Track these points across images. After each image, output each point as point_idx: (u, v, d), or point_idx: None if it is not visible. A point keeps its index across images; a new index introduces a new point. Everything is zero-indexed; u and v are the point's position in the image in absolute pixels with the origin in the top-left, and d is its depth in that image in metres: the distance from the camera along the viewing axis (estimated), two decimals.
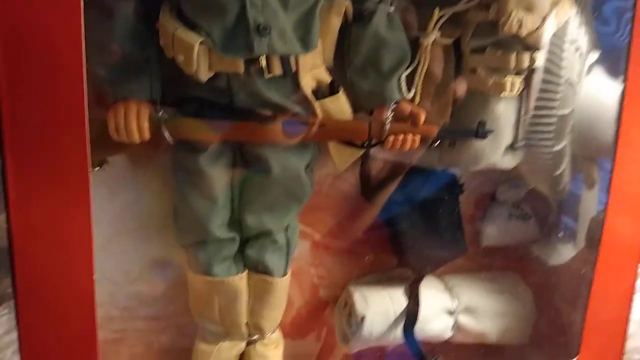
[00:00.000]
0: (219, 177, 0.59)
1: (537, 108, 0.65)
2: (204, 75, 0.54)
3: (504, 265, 0.80)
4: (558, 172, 0.69)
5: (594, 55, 0.66)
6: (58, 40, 0.46)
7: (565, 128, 0.66)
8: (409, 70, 0.61)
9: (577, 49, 0.64)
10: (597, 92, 0.66)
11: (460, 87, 0.64)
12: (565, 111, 0.65)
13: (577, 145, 0.68)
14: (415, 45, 0.62)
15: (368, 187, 0.68)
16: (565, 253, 0.77)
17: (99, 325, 0.66)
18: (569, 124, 0.66)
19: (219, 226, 0.61)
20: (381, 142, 0.60)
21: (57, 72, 0.46)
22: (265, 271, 0.65)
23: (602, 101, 0.66)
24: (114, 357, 0.69)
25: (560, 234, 0.77)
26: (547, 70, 0.63)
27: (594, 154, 0.70)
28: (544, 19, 0.58)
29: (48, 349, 0.52)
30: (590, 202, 0.72)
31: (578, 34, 0.63)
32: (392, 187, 0.68)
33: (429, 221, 0.69)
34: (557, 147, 0.67)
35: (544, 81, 0.63)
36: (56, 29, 0.45)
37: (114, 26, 0.54)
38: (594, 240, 0.69)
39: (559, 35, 0.62)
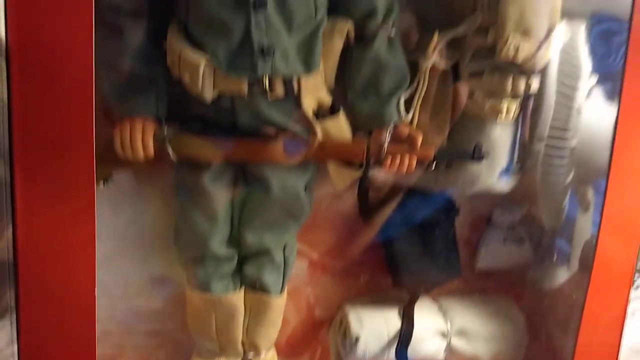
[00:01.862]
0: (220, 195, 0.60)
1: (550, 138, 0.67)
2: (209, 95, 0.55)
3: (497, 289, 0.81)
4: (564, 204, 0.71)
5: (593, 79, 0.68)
6: (69, 56, 0.47)
7: (575, 158, 0.68)
8: (408, 93, 0.63)
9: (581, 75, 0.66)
10: (594, 114, 0.68)
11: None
12: (575, 142, 0.67)
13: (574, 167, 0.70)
14: (414, 68, 0.63)
15: (366, 207, 0.69)
16: (559, 276, 0.78)
17: (97, 340, 0.67)
18: (576, 154, 0.68)
19: (218, 243, 0.62)
20: (379, 163, 0.61)
21: (67, 88, 0.47)
22: (262, 289, 0.65)
23: (598, 123, 0.67)
24: None
25: (555, 258, 0.78)
26: (559, 102, 0.65)
27: (590, 176, 0.71)
28: (540, 45, 0.60)
29: None
30: (584, 225, 0.73)
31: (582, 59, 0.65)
32: (389, 209, 0.69)
33: (424, 243, 0.70)
34: (568, 179, 0.69)
35: (557, 112, 0.66)
36: (67, 45, 0.47)
37: (123, 45, 0.56)
38: (587, 263, 0.70)
39: (570, 61, 0.64)
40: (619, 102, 0.63)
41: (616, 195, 0.66)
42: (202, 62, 0.53)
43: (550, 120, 0.66)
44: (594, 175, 0.70)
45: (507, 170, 0.67)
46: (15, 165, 0.48)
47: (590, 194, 0.72)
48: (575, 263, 0.75)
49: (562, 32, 0.62)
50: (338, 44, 0.60)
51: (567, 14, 0.63)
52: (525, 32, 0.59)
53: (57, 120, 0.48)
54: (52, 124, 0.48)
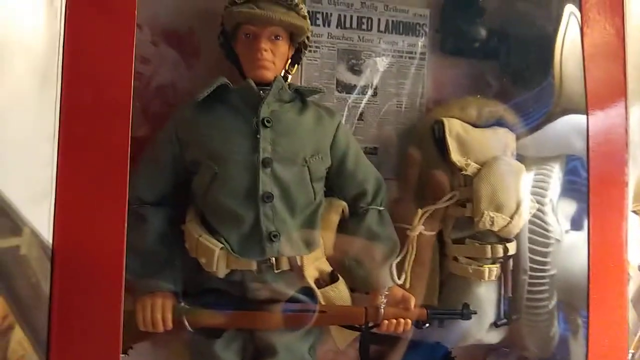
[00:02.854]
0: None
1: (531, 270, 0.73)
2: (222, 273, 0.62)
3: None
4: (552, 332, 0.76)
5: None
6: (102, 259, 0.55)
7: (556, 285, 0.74)
8: (399, 259, 0.70)
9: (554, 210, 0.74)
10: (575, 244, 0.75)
11: None
12: (555, 271, 0.74)
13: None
14: (404, 236, 0.71)
15: None
16: None
17: None
18: (558, 281, 0.74)
19: None
20: (377, 325, 0.67)
21: (100, 291, 0.55)
22: None
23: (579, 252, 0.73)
24: None
25: None
26: (533, 232, 0.72)
27: (576, 303, 0.76)
28: (512, 216, 0.69)
29: None
30: (577, 349, 0.76)
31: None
32: None
33: None
34: (551, 306, 0.74)
35: (532, 243, 0.73)
36: (101, 248, 0.55)
37: (146, 230, 0.64)
38: None
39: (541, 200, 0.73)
40: (589, 230, 0.71)
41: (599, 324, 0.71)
42: (217, 248, 0.61)
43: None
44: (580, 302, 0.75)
45: (495, 324, 0.73)
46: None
47: (579, 319, 0.77)
48: None
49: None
50: (335, 219, 0.69)
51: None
52: (498, 207, 0.68)
53: (90, 313, 0.55)
54: (86, 316, 0.54)
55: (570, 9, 0.73)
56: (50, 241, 0.54)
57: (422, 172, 0.72)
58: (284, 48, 0.65)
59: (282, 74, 0.67)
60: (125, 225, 0.55)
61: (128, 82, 0.57)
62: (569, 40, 0.74)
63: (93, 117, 0.56)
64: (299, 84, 0.73)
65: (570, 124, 0.72)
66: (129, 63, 0.58)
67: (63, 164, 0.55)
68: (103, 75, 0.57)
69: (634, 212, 0.73)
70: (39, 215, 0.54)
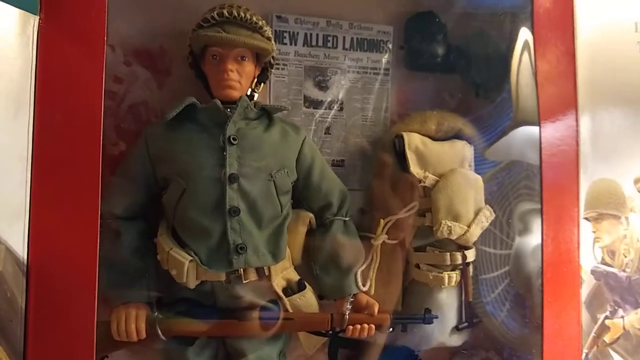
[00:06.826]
0: None
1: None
2: (192, 284, 0.65)
3: None
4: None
5: None
6: (76, 272, 0.58)
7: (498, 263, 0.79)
8: (364, 267, 0.73)
9: None
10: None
11: None
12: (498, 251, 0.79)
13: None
14: (368, 245, 0.74)
15: None
16: None
17: None
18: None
19: None
20: (342, 331, 0.70)
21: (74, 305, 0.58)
22: None
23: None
24: None
25: None
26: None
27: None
28: (469, 225, 0.72)
29: None
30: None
31: None
32: None
33: None
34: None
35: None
36: (74, 262, 0.58)
37: (120, 243, 0.67)
38: None
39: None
40: (542, 237, 0.74)
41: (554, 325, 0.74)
42: (186, 261, 0.64)
43: None
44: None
45: (457, 328, 0.76)
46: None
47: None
48: None
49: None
50: (302, 230, 0.72)
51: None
52: (455, 217, 0.72)
53: (65, 325, 0.57)
54: (61, 328, 0.57)
55: (524, 29, 0.77)
56: (25, 257, 0.57)
57: (385, 183, 0.75)
58: (249, 68, 0.68)
59: (249, 93, 0.70)
60: (98, 240, 0.58)
61: (99, 104, 0.60)
62: (524, 56, 0.78)
63: (65, 138, 0.59)
64: (266, 101, 0.76)
65: (525, 135, 0.76)
66: (99, 86, 0.61)
67: (36, 184, 0.58)
68: (74, 98, 0.60)
69: (586, 219, 0.77)
70: (14, 233, 0.57)
